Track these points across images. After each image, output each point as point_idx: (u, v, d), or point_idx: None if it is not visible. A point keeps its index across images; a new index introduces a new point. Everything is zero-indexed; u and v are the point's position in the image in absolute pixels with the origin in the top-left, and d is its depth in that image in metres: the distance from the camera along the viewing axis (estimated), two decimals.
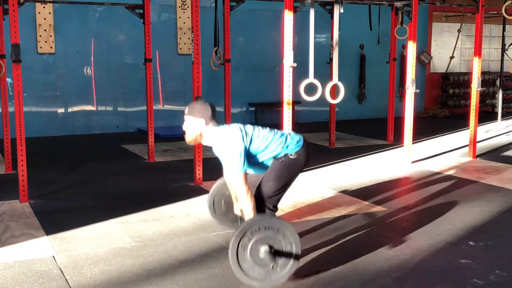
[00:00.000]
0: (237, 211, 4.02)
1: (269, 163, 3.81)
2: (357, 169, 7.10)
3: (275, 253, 3.44)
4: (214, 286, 3.61)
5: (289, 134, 3.93)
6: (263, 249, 3.40)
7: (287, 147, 3.79)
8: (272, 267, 3.44)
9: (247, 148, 3.68)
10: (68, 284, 3.61)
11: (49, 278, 3.70)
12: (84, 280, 3.67)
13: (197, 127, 3.74)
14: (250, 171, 3.85)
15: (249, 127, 3.79)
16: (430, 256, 4.11)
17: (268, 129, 3.87)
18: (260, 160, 3.80)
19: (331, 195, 5.78)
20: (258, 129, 3.81)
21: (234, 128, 3.73)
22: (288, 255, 3.48)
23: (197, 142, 3.85)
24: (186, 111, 3.78)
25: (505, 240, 4.53)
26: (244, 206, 3.64)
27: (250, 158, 3.73)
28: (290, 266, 3.50)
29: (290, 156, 3.78)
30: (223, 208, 4.26)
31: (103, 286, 3.60)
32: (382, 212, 5.17)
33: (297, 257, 3.52)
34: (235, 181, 3.64)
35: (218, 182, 4.25)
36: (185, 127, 3.79)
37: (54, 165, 7.38)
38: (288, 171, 3.80)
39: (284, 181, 3.81)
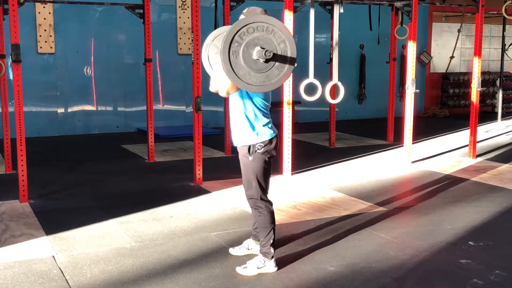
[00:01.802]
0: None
1: (244, 127, 3.76)
2: (357, 169, 7.10)
3: (269, 55, 3.34)
4: (214, 286, 3.61)
5: (271, 122, 3.90)
6: (256, 50, 3.32)
7: (263, 126, 3.75)
8: (268, 70, 3.37)
9: None
10: (68, 284, 3.61)
11: (49, 278, 3.70)
12: (84, 280, 3.67)
13: None
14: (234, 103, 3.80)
15: None
16: (430, 256, 4.11)
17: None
18: (241, 110, 3.76)
19: (331, 195, 5.78)
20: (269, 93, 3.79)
21: None
22: (283, 57, 3.39)
23: None
24: (244, 11, 3.75)
25: (505, 240, 4.53)
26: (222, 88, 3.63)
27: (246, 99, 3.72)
28: (286, 69, 3.43)
29: (258, 151, 3.75)
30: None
31: (103, 286, 3.60)
32: (382, 212, 5.17)
33: (292, 61, 3.43)
34: (225, 85, 3.59)
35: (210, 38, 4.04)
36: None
37: (54, 165, 7.38)
38: (261, 165, 3.79)
39: (262, 174, 3.80)
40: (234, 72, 3.36)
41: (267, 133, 3.78)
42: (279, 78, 3.46)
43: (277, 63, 3.42)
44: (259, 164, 3.78)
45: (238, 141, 3.85)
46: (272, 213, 3.84)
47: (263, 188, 3.82)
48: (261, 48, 3.35)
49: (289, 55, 3.44)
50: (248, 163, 3.80)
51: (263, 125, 3.77)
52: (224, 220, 4.93)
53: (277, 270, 3.80)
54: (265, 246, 3.80)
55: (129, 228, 4.73)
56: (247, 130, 3.76)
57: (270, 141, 3.79)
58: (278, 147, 3.91)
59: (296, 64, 3.47)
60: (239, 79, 3.38)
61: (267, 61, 3.38)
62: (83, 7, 9.25)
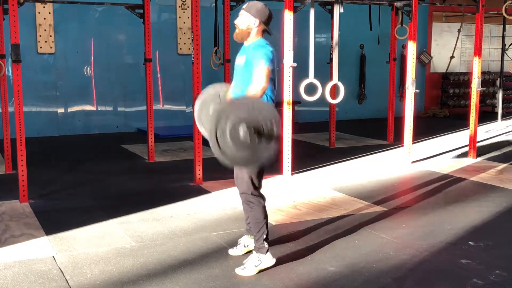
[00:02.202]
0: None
1: None
2: (357, 169, 7.10)
3: (256, 133, 3.35)
4: (214, 286, 3.61)
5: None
6: (242, 130, 3.33)
7: None
8: (254, 146, 3.37)
9: (271, 76, 3.67)
10: (68, 284, 3.61)
11: (49, 278, 3.70)
12: (84, 280, 3.67)
13: (249, 25, 3.74)
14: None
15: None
16: (430, 256, 4.11)
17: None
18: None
19: (331, 195, 5.78)
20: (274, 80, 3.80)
21: (273, 49, 3.75)
22: (269, 133, 3.40)
23: (242, 40, 3.82)
24: (244, 6, 3.75)
25: (505, 240, 4.53)
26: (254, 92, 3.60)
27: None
28: (271, 145, 3.43)
29: None
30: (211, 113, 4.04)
31: (103, 286, 3.60)
32: (382, 212, 5.17)
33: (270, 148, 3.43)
34: (255, 88, 3.58)
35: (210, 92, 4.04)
36: (237, 21, 3.78)
37: (54, 165, 7.38)
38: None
39: (255, 170, 3.78)
40: (224, 152, 3.36)
41: None
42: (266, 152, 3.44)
43: (262, 138, 3.40)
44: None
45: None
46: (264, 208, 3.83)
47: (255, 184, 3.79)
48: (247, 127, 3.34)
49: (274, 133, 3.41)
50: None
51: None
52: (224, 220, 4.93)
53: (276, 265, 3.79)
54: (258, 241, 3.79)
55: (129, 228, 4.73)
56: None
57: None
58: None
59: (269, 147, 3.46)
60: (227, 157, 3.38)
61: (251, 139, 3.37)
62: (83, 7, 9.25)
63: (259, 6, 3.76)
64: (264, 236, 3.79)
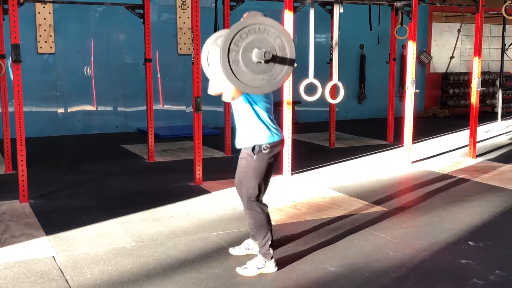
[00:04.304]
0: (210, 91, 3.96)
1: (250, 130, 3.79)
2: (357, 169, 7.10)
3: (268, 56, 3.36)
4: (214, 286, 3.61)
5: (276, 124, 3.91)
6: (254, 53, 3.34)
7: (270, 129, 3.77)
8: (265, 71, 3.39)
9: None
10: (68, 284, 3.61)
11: (49, 278, 3.70)
12: (84, 280, 3.67)
13: None
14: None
15: None
16: (430, 256, 4.11)
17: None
18: (246, 114, 3.78)
19: (331, 195, 5.78)
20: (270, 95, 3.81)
21: None
22: (282, 53, 3.41)
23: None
24: (245, 15, 3.78)
25: (505, 240, 4.53)
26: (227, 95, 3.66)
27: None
28: (285, 69, 3.45)
29: (264, 151, 3.75)
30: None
31: (103, 286, 3.60)
32: (382, 212, 5.17)
33: (291, 62, 3.46)
34: (230, 90, 3.62)
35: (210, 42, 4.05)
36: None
37: (54, 165, 7.38)
38: (265, 166, 3.78)
39: (263, 176, 3.79)
40: (239, 79, 3.37)
41: (273, 136, 3.78)
42: (284, 73, 3.46)
43: (278, 59, 3.43)
44: (262, 165, 3.77)
45: (243, 143, 3.85)
46: (267, 215, 3.84)
47: (261, 189, 3.81)
48: (259, 49, 3.36)
49: (287, 49, 3.45)
50: (251, 162, 3.79)
51: (269, 128, 3.77)
52: (224, 220, 4.93)
53: (277, 270, 3.80)
54: (264, 248, 3.80)
55: (129, 228, 4.73)
56: (253, 132, 3.77)
57: (276, 143, 3.79)
58: (281, 148, 3.91)
59: (295, 58, 3.49)
60: (245, 85, 3.40)
61: (267, 61, 3.39)
62: (83, 7, 9.25)
63: (259, 15, 3.74)
64: (270, 243, 3.80)
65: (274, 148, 3.79)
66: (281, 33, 3.45)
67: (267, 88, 3.48)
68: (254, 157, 3.76)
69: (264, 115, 3.76)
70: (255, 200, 3.81)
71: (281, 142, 3.84)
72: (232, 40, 3.33)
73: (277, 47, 3.43)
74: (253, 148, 3.76)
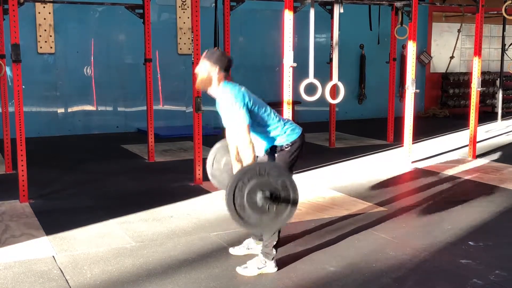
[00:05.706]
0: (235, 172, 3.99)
1: (265, 142, 3.82)
2: (357, 169, 7.10)
3: (273, 198, 3.42)
4: (214, 286, 3.61)
5: (288, 121, 3.94)
6: (259, 195, 3.39)
7: (284, 132, 3.81)
8: (270, 211, 3.44)
9: (249, 107, 3.68)
10: (68, 284, 3.62)
11: (49, 278, 3.70)
12: (84, 280, 3.67)
13: (209, 72, 3.73)
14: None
15: (254, 96, 3.80)
16: (430, 256, 4.11)
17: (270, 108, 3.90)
18: (259, 134, 3.81)
19: (331, 195, 5.78)
20: (263, 104, 3.82)
21: (240, 87, 3.75)
22: (286, 199, 3.47)
23: (204, 89, 3.83)
24: (204, 55, 3.78)
25: (505, 240, 4.53)
26: (245, 155, 3.62)
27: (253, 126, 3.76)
28: (288, 210, 3.49)
29: (286, 149, 3.80)
30: (223, 166, 4.16)
31: (103, 286, 3.60)
32: (382, 212, 5.17)
33: (295, 202, 3.51)
34: (239, 132, 3.62)
35: (218, 144, 4.16)
36: (198, 69, 3.79)
37: (54, 165, 7.38)
38: (287, 160, 3.81)
39: (289, 167, 3.83)
40: (248, 223, 3.44)
41: (292, 135, 3.82)
42: (289, 211, 3.51)
43: (282, 199, 3.47)
44: (286, 159, 3.81)
45: (264, 149, 3.89)
46: None
47: None
48: (263, 191, 3.40)
49: (289, 187, 3.50)
50: (277, 156, 3.83)
51: (283, 131, 3.81)
52: (224, 220, 4.92)
53: (277, 270, 3.80)
54: (267, 247, 3.80)
55: (129, 228, 4.73)
56: (270, 139, 3.82)
57: (295, 141, 3.83)
58: (303, 146, 3.94)
59: (298, 197, 3.55)
60: (252, 225, 3.48)
61: (271, 201, 3.44)
62: (83, 7, 9.25)
63: (217, 54, 3.77)
64: (274, 243, 3.80)
65: (295, 144, 3.83)
66: (280, 173, 3.51)
67: (273, 226, 3.56)
68: (276, 154, 3.82)
69: (271, 122, 3.78)
70: None
71: (300, 138, 3.86)
72: (236, 187, 3.37)
73: (280, 186, 3.47)
74: (275, 148, 3.82)
